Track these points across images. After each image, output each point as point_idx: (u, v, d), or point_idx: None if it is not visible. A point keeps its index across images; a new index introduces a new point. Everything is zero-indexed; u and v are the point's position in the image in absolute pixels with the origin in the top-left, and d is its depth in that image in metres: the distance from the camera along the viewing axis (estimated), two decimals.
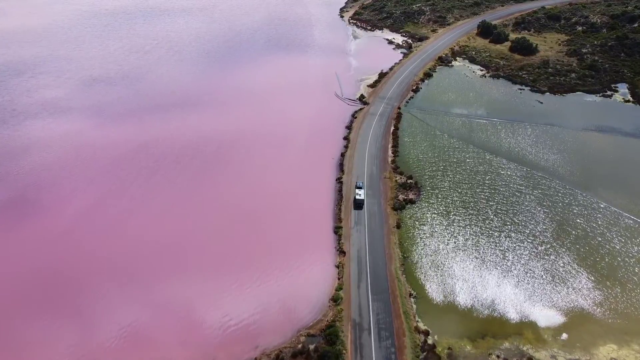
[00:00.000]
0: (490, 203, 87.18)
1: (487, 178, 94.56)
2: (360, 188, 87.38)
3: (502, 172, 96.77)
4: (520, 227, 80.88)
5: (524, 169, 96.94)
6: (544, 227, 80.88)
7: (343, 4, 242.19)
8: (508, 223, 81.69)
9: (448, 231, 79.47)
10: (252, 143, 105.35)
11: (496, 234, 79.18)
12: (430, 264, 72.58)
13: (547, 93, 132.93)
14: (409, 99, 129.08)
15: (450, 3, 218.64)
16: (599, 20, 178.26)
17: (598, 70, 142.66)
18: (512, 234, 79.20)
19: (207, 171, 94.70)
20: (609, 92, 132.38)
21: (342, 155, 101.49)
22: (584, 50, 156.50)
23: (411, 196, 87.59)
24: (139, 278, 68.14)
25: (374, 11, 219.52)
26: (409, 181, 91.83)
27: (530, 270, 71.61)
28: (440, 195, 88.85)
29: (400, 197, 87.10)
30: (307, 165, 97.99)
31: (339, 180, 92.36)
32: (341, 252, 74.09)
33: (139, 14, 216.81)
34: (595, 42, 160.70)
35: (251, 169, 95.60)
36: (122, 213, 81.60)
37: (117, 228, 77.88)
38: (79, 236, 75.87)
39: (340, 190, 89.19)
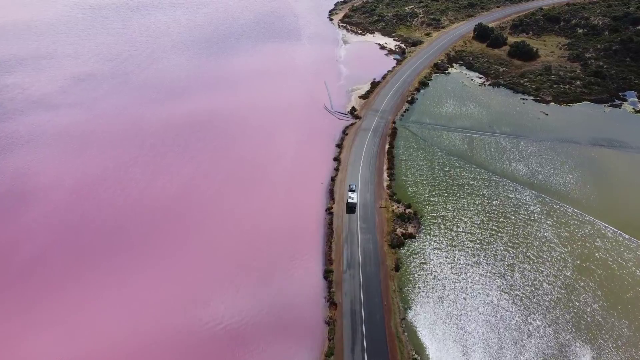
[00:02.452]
0: (500, 234, 77.30)
1: (494, 204, 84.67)
2: (352, 191, 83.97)
3: (511, 196, 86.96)
4: (537, 264, 70.98)
5: (534, 193, 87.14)
6: (563, 264, 70.99)
7: (332, 6, 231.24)
8: (522, 260, 71.69)
9: (454, 272, 69.36)
10: (232, 166, 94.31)
11: (508, 275, 69.15)
12: (435, 317, 62.26)
13: (552, 103, 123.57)
14: (404, 112, 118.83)
15: (444, 5, 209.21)
16: (600, 22, 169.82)
17: (604, 77, 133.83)
18: (527, 272, 69.30)
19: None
20: (617, 102, 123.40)
21: (333, 179, 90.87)
22: (587, 55, 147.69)
23: (410, 230, 77.23)
24: None
25: (365, 14, 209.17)
26: (407, 211, 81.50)
27: (555, 322, 61.57)
28: (443, 227, 78.70)
29: (399, 230, 76.75)
30: (293, 191, 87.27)
31: (329, 211, 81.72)
32: (332, 303, 63.45)
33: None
34: (599, 46, 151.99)
35: (229, 198, 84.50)
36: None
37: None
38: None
39: (330, 224, 78.58)
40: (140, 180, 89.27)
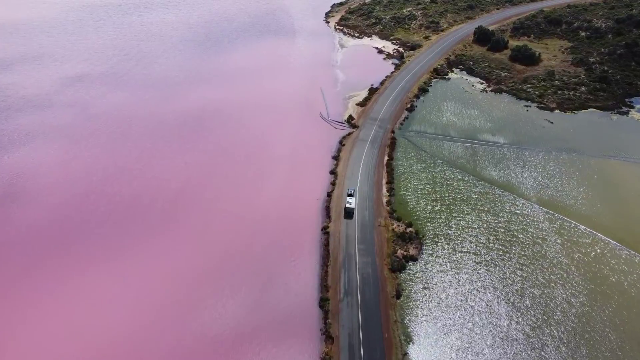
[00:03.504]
0: (508, 255, 72.45)
1: (500, 220, 79.86)
2: (351, 196, 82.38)
3: (517, 212, 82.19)
4: (548, 289, 66.13)
5: (542, 209, 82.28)
6: (577, 289, 66.17)
7: (329, 8, 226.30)
8: (532, 284, 66.83)
9: (459, 297, 64.47)
10: (222, 180, 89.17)
11: (518, 301, 64.27)
12: (440, 351, 57.25)
13: (557, 110, 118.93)
14: (404, 120, 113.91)
15: (442, 7, 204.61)
16: (603, 25, 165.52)
17: (609, 82, 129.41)
18: (538, 299, 64.49)
19: (163, 224, 78.18)
20: (624, 109, 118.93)
21: (329, 195, 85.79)
22: (591, 59, 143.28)
23: (412, 251, 72.22)
24: None
25: (362, 16, 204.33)
26: (408, 230, 76.50)
27: (571, 356, 56.69)
28: (446, 247, 73.77)
29: (399, 252, 71.72)
30: (287, 208, 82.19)
31: (324, 231, 76.63)
32: (328, 337, 58.33)
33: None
34: (603, 50, 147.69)
35: (220, 215, 79.29)
36: None
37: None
38: None
39: (326, 245, 73.50)
40: (129, 185, 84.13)
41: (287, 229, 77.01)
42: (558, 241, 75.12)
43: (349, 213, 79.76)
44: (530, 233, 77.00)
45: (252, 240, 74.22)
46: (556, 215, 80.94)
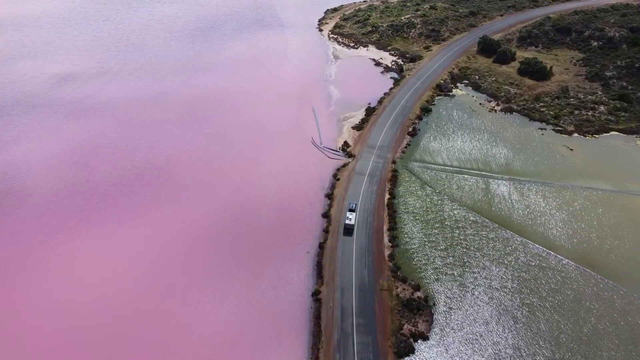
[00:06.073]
0: (541, 328, 59.76)
1: (527, 277, 67.88)
2: (352, 211, 77.98)
3: (545, 265, 70.12)
4: None
5: (578, 267, 69.69)
6: None
7: (322, 14, 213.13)
8: None
9: None
10: (198, 223, 76.08)
11: None
12: None
13: (575, 134, 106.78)
14: (406, 147, 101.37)
15: (443, 13, 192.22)
16: (616, 34, 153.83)
17: (630, 100, 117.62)
18: None
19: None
20: None
21: (321, 246, 72.98)
22: (607, 74, 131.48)
23: (421, 326, 59.64)
24: None
25: (357, 23, 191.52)
26: (415, 295, 63.96)
27: None
28: (464, 317, 61.16)
29: (406, 328, 59.18)
30: (271, 264, 69.37)
31: (315, 297, 63.77)
32: None
33: None
34: (619, 63, 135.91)
35: (193, 277, 66.24)
36: None
37: None
38: None
39: (318, 318, 60.63)
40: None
41: (270, 293, 64.15)
42: (600, 309, 62.64)
43: (348, 230, 75.19)
44: (566, 297, 64.81)
45: (232, 316, 61.25)
46: (594, 274, 68.19)
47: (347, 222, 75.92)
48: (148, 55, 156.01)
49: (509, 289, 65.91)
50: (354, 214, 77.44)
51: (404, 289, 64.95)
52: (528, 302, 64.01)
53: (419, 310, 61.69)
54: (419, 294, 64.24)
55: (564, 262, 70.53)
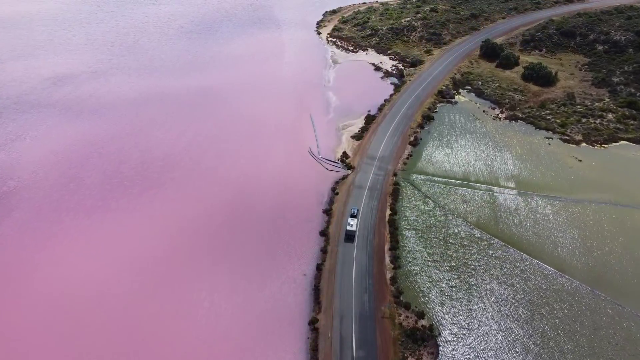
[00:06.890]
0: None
1: (538, 301, 63.38)
2: (354, 217, 76.33)
3: (557, 288, 65.81)
4: None
5: (592, 291, 65.49)
6: None
7: (320, 17, 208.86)
8: None
9: None
10: (184, 240, 71.75)
11: None
12: None
13: (583, 144, 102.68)
14: (407, 158, 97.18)
15: (444, 16, 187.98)
16: (622, 38, 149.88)
17: (639, 108, 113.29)
18: None
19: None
20: None
21: (319, 268, 68.70)
22: (614, 79, 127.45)
23: (426, 359, 55.18)
24: None
25: (356, 26, 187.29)
26: (420, 323, 59.70)
27: None
28: (471, 348, 56.95)
29: None
30: (264, 288, 64.99)
31: (312, 326, 59.45)
32: None
33: None
34: (626, 68, 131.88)
35: (176, 309, 62.02)
36: None
37: None
38: None
39: (315, 349, 56.31)
40: None
41: (262, 325, 59.78)
42: (627, 345, 58.42)
43: (349, 237, 73.35)
44: (580, 324, 60.29)
45: (216, 351, 56.93)
46: (618, 305, 63.82)
47: (349, 228, 74.06)
48: (142, 59, 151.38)
49: (520, 315, 61.71)
50: (355, 219, 75.56)
51: (407, 317, 60.74)
52: (540, 330, 59.79)
53: (423, 341, 57.46)
54: (423, 322, 60.04)
55: (576, 284, 66.37)
